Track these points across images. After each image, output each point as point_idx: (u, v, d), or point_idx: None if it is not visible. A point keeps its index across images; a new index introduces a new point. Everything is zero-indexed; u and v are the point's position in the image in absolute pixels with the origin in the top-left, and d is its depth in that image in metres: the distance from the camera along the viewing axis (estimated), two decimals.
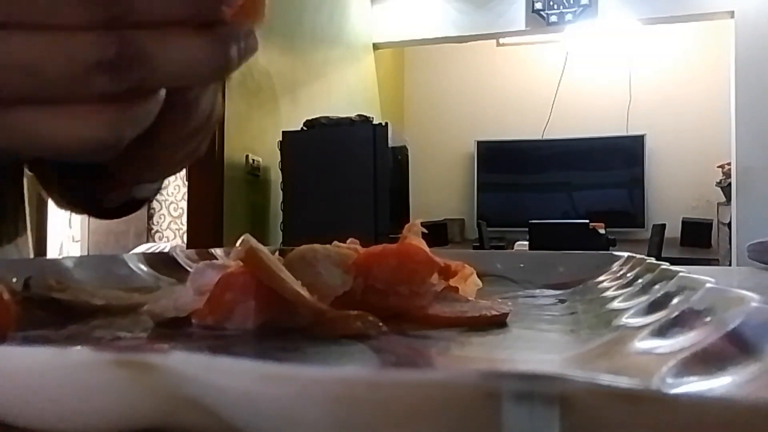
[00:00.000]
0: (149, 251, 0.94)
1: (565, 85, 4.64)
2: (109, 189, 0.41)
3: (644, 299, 0.27)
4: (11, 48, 0.20)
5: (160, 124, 0.26)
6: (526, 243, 3.35)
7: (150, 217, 3.71)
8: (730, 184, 3.77)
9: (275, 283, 0.25)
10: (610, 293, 0.34)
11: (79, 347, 0.11)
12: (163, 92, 0.24)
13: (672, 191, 4.60)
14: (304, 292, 0.25)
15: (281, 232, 2.80)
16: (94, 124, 0.22)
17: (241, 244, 0.26)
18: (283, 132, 2.78)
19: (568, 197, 4.79)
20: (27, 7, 0.20)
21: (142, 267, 0.43)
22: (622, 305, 0.28)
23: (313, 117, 2.83)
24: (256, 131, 2.83)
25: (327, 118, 2.82)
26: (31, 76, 0.20)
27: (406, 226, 0.31)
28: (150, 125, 0.25)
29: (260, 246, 0.26)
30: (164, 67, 0.22)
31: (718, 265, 3.78)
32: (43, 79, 0.20)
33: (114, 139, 0.23)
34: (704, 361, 0.16)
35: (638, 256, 0.41)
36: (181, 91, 0.26)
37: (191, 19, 0.22)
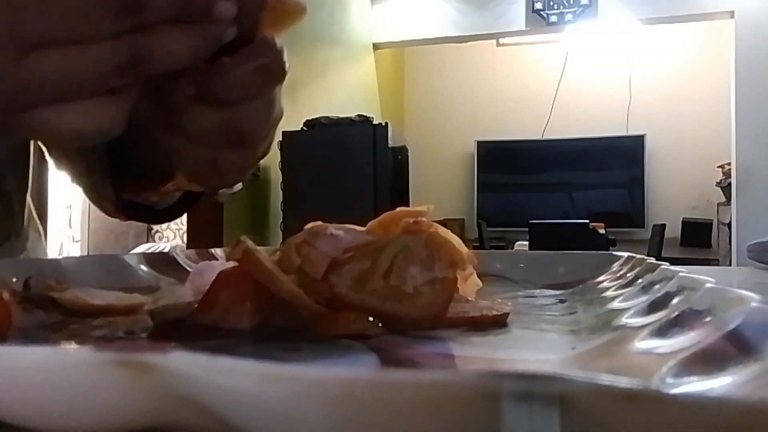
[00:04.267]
0: (149, 251, 0.94)
1: (565, 85, 4.64)
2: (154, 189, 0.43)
3: (644, 299, 0.27)
4: (50, 61, 0.24)
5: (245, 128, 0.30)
6: (526, 243, 3.35)
7: None
8: (730, 184, 3.77)
9: (272, 283, 0.25)
10: (610, 293, 0.34)
11: (79, 347, 0.11)
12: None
13: (672, 191, 4.60)
14: (301, 293, 0.25)
15: (281, 232, 2.80)
16: (97, 117, 0.26)
17: (237, 245, 0.26)
18: (283, 132, 2.77)
19: (568, 197, 4.79)
20: (57, 29, 0.24)
21: (142, 267, 0.43)
22: (622, 305, 0.28)
23: (313, 117, 2.83)
24: None
25: (327, 118, 2.82)
26: (66, 82, 0.25)
27: None
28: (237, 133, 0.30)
29: (257, 247, 0.26)
30: (161, 65, 0.26)
31: (718, 265, 3.78)
32: (74, 83, 0.25)
33: (112, 128, 0.27)
34: (704, 361, 0.16)
35: (638, 256, 0.41)
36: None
37: (182, 19, 0.26)
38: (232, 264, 0.27)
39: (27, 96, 0.25)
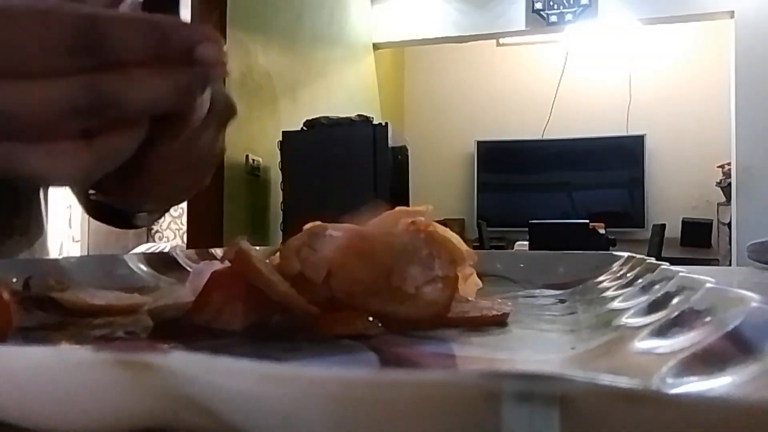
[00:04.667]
0: (149, 251, 0.94)
1: (565, 85, 4.64)
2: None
3: (644, 299, 0.27)
4: None
5: (154, 158, 0.29)
6: (526, 243, 3.35)
7: None
8: (730, 184, 3.77)
9: (264, 284, 0.25)
10: (610, 293, 0.34)
11: (79, 347, 0.11)
12: (140, 129, 0.26)
13: (672, 191, 4.60)
14: (294, 294, 0.25)
15: (281, 232, 2.80)
16: (69, 161, 0.24)
17: (231, 245, 0.26)
18: (283, 132, 2.78)
19: (568, 197, 4.79)
20: (3, 59, 0.22)
21: (142, 267, 0.43)
22: (622, 305, 0.28)
23: (313, 117, 2.83)
24: (256, 131, 2.83)
25: (327, 118, 2.82)
26: (8, 122, 0.22)
27: None
28: (143, 159, 0.28)
29: (251, 248, 0.26)
30: (131, 106, 0.24)
31: (718, 265, 3.78)
32: (19, 124, 0.22)
33: (87, 173, 0.25)
34: (704, 361, 0.16)
35: (638, 256, 0.41)
36: (176, 130, 0.29)
37: (155, 60, 0.24)
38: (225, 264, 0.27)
39: None
